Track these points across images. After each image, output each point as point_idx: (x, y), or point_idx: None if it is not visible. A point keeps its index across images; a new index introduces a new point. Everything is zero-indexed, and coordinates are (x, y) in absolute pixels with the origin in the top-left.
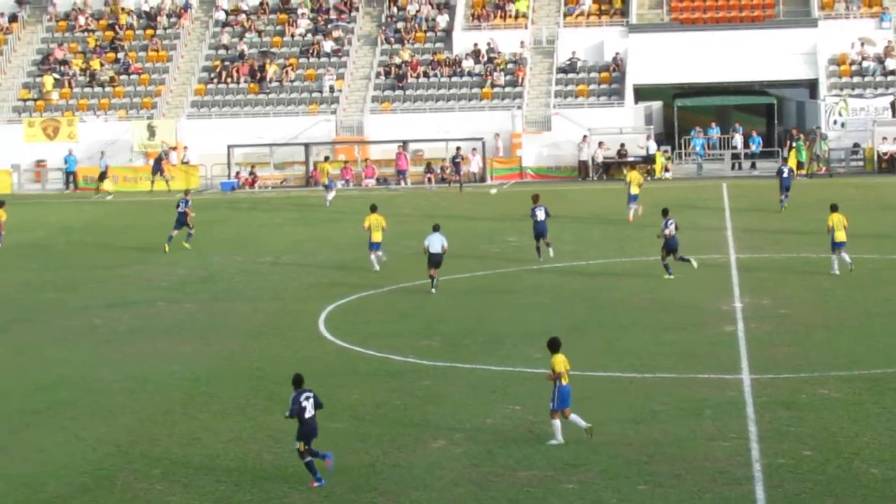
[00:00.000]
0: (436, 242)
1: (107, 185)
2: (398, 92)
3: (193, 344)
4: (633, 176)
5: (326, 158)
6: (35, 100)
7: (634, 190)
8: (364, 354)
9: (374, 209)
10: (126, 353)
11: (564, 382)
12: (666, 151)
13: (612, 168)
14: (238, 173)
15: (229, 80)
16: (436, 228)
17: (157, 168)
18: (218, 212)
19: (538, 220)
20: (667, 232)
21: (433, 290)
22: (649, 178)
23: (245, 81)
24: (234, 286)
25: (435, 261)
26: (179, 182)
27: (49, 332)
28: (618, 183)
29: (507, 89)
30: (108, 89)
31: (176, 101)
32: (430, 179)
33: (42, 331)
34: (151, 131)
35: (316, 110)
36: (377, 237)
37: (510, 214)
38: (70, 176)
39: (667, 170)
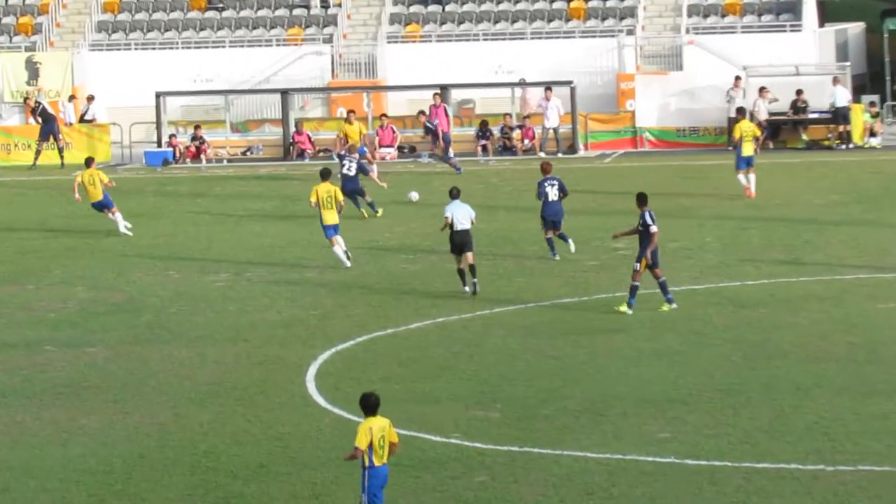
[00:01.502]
0: (461, 214)
1: None
2: (432, 7)
3: (102, 414)
4: (745, 128)
5: (351, 114)
6: None
7: (748, 149)
8: None
9: (325, 176)
10: None
11: (377, 463)
12: (872, 104)
13: (781, 130)
14: (173, 138)
15: None
16: (455, 195)
17: (49, 130)
18: (142, 199)
19: (549, 199)
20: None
21: (467, 290)
22: (843, 145)
23: None
24: (168, 319)
25: (462, 242)
26: (79, 151)
27: None
28: (792, 154)
29: (611, 4)
30: None
31: (71, 22)
32: (484, 148)
33: None
34: (33, 71)
35: (299, 37)
36: (331, 218)
37: (612, 204)
38: None
39: (872, 133)
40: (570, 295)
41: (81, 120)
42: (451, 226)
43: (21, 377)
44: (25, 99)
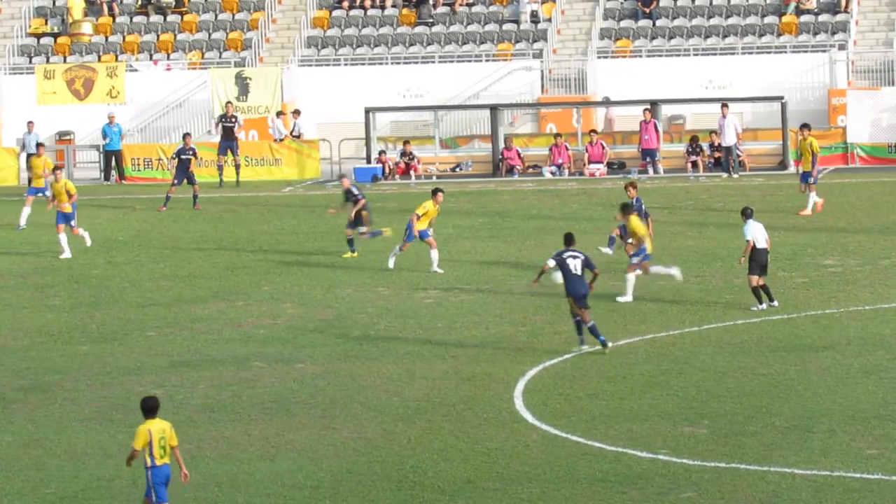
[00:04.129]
0: (760, 235)
1: None
2: (642, 22)
3: (310, 429)
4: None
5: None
6: (55, 34)
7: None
8: (586, 447)
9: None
10: (198, 441)
11: (158, 462)
12: None
13: None
14: (383, 154)
15: (367, 3)
16: (749, 214)
17: (227, 146)
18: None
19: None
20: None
21: (762, 307)
22: None
23: (394, 6)
24: (377, 335)
25: (765, 262)
26: (288, 167)
27: (77, 407)
28: None
29: (823, 18)
30: (171, 19)
31: (281, 38)
32: (694, 164)
33: (67, 406)
34: (243, 86)
35: (509, 52)
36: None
37: (823, 221)
38: (112, 158)
39: None
40: (778, 312)
41: (291, 136)
42: (753, 246)
43: (230, 392)
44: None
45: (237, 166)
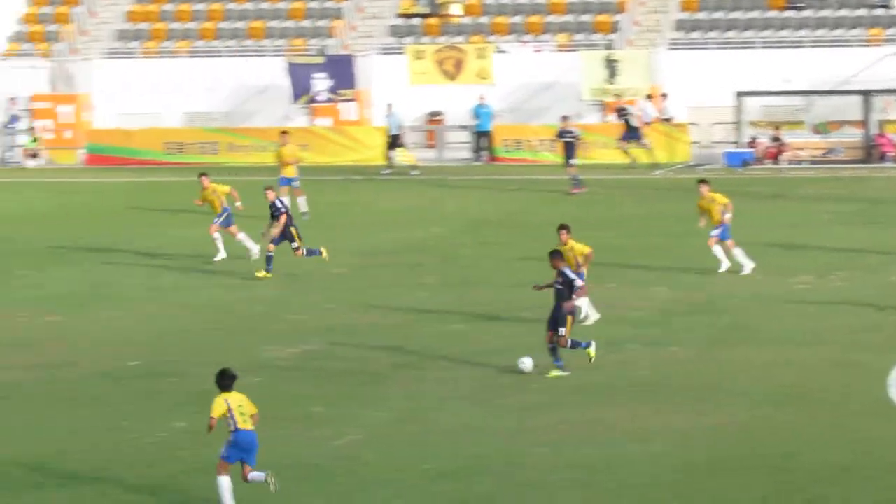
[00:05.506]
0: None
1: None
2: None
3: (684, 413)
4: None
5: None
6: (425, 15)
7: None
8: None
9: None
10: (569, 422)
11: (241, 426)
12: None
13: None
14: (754, 139)
15: None
16: None
17: (631, 136)
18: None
19: None
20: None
21: None
22: None
23: None
24: (748, 320)
25: None
26: (658, 150)
27: (451, 386)
28: None
29: None
30: (539, 1)
31: (649, 21)
32: None
33: (441, 384)
34: (611, 69)
35: (880, 37)
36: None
37: None
38: (481, 138)
39: None
40: None
41: (659, 120)
42: None
43: (604, 374)
44: (614, 103)
45: (645, 148)
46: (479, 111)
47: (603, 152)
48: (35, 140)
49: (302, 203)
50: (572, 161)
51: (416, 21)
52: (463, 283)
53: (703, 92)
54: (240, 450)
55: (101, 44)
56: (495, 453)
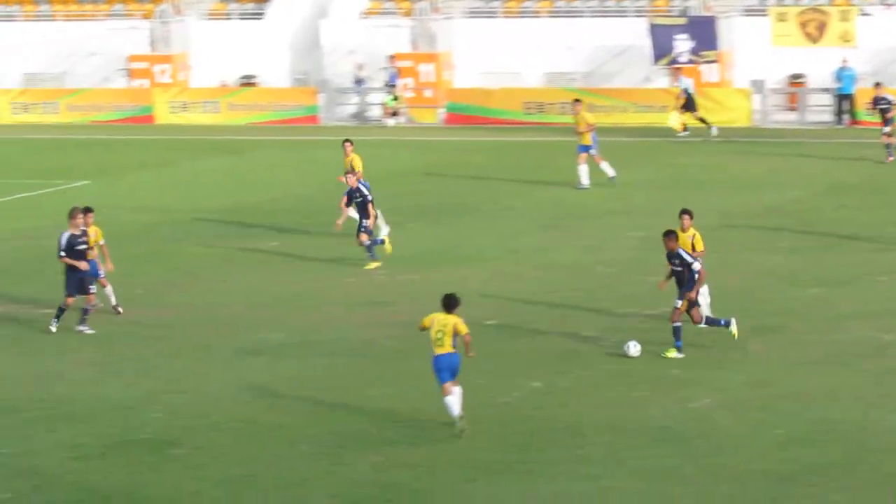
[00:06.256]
0: None
1: (673, 119)
2: None
3: None
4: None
5: None
6: None
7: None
8: None
9: None
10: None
11: (435, 351)
12: None
13: None
14: None
15: None
16: None
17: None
18: None
19: None
20: None
21: None
22: None
23: None
24: None
25: None
26: None
27: (805, 349)
28: None
29: None
30: None
31: None
32: None
33: (794, 348)
34: None
35: None
36: None
37: None
38: (843, 102)
39: None
40: None
41: None
42: None
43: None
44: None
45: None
46: (842, 74)
47: None
48: (396, 98)
49: (606, 167)
50: (886, 129)
51: None
52: (821, 247)
53: None
54: (440, 371)
55: (463, 2)
56: (848, 419)
